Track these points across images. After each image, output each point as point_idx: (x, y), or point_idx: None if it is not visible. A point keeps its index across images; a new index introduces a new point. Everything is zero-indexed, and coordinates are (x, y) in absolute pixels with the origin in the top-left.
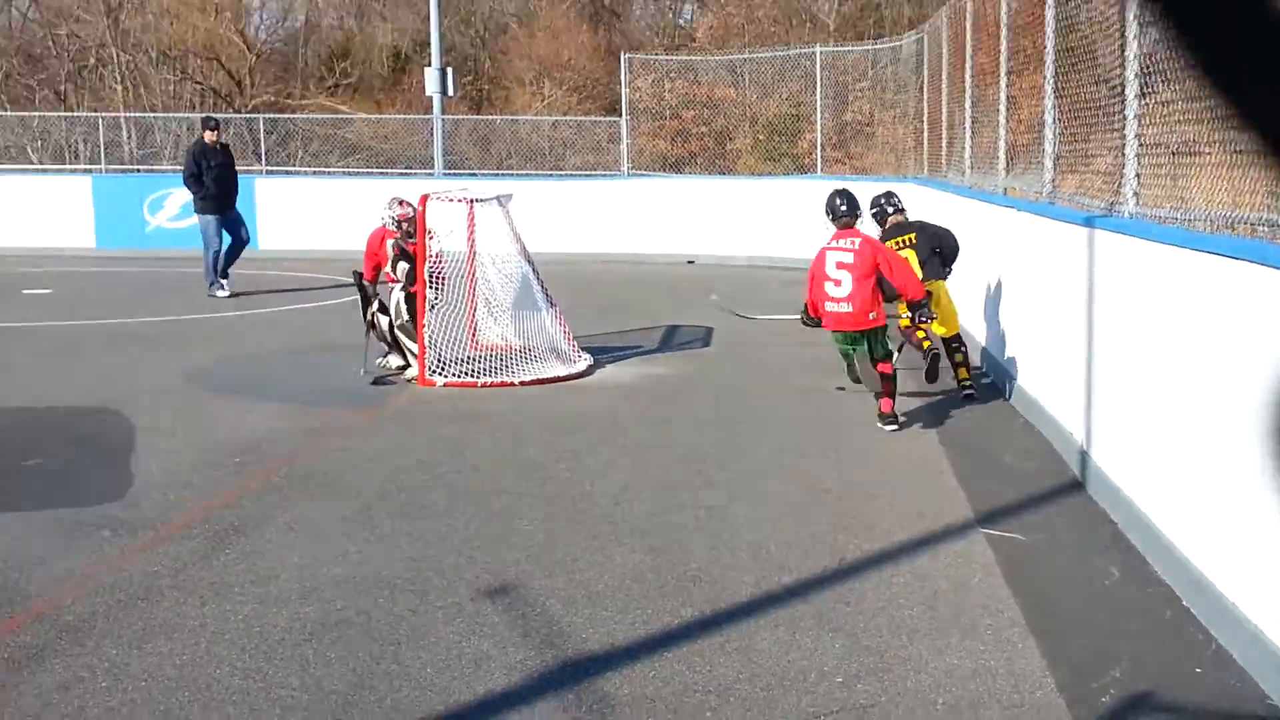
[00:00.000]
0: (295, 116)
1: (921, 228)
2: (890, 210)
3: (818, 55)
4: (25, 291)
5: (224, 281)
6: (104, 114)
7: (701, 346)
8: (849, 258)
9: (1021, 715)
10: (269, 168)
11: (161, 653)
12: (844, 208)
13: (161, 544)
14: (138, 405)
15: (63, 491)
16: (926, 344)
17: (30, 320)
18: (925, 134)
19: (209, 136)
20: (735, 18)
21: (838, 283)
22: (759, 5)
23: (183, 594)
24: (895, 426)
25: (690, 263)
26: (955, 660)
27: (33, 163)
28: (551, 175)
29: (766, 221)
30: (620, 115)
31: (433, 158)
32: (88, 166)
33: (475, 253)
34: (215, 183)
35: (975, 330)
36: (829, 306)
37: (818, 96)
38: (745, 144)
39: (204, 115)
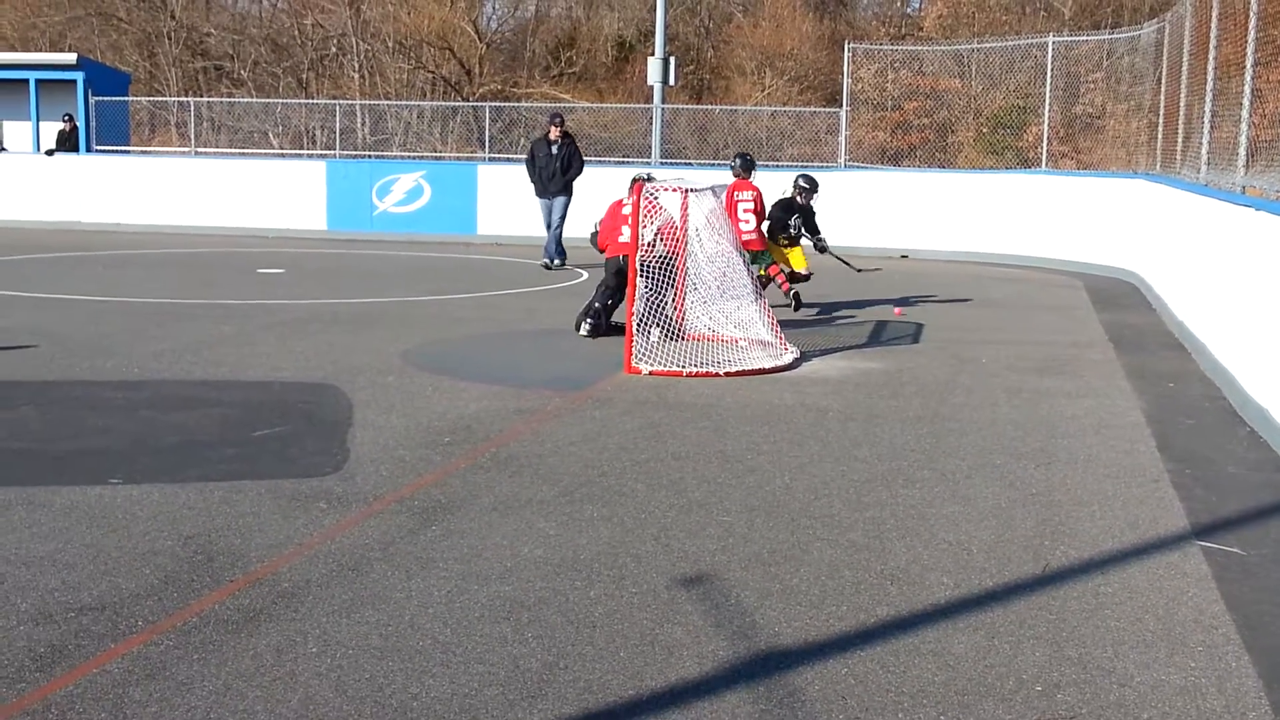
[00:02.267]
0: (520, 105)
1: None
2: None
3: (1050, 45)
4: (260, 271)
5: (556, 260)
6: (341, 101)
7: (910, 343)
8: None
9: None
10: (491, 155)
11: (369, 622)
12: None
13: (372, 518)
14: (356, 382)
15: (284, 463)
16: (785, 286)
17: (263, 298)
18: (1160, 128)
19: (553, 132)
20: (965, 6)
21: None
22: None
23: (390, 567)
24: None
25: (904, 257)
26: (1163, 675)
27: (273, 147)
28: (767, 166)
29: (986, 217)
30: (840, 106)
31: (650, 146)
32: (323, 152)
33: (687, 242)
34: (540, 170)
35: (1202, 334)
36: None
37: (1047, 88)
38: (968, 137)
39: (553, 112)
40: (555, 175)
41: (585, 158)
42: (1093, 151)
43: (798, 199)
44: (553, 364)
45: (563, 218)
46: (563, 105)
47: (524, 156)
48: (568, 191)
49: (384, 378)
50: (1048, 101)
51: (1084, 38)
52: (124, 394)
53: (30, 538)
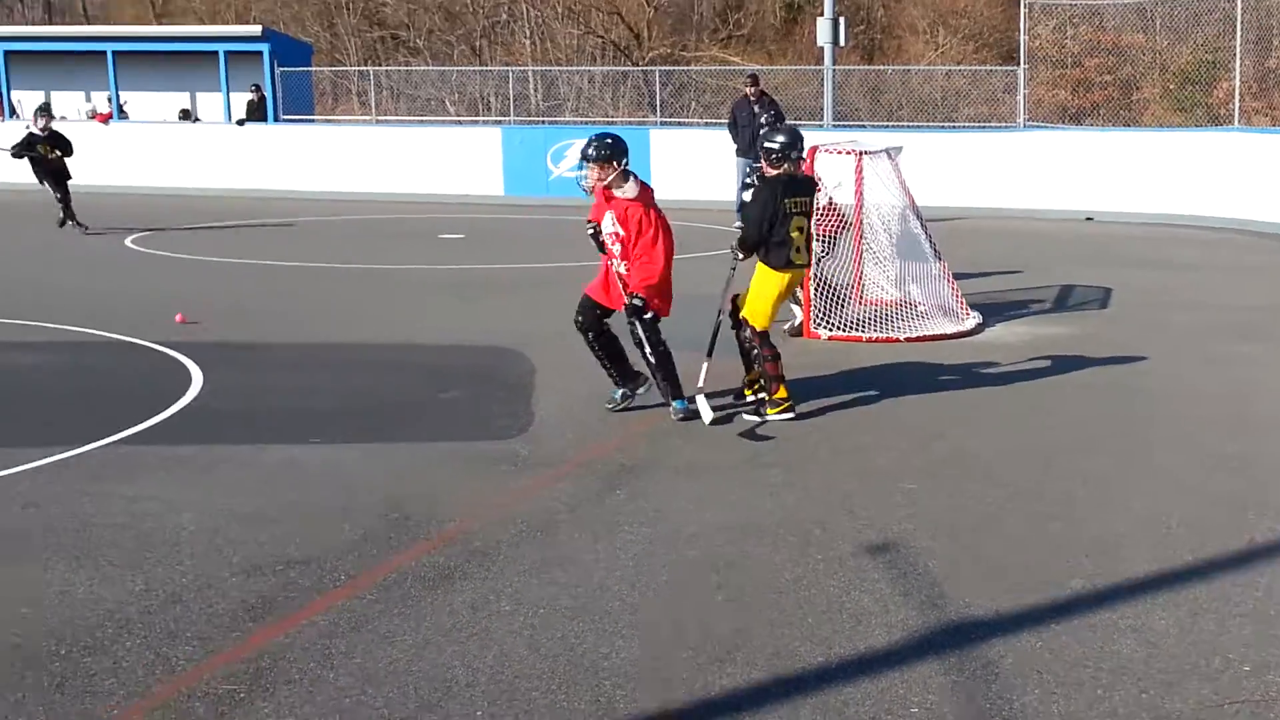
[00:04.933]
0: (689, 69)
1: None
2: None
3: None
4: (441, 236)
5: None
6: (513, 68)
7: (1099, 308)
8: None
9: None
10: (663, 119)
11: (559, 583)
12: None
13: (559, 480)
14: (538, 346)
15: (473, 425)
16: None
17: (445, 263)
18: None
19: (750, 91)
20: None
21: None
22: None
23: (578, 529)
24: None
25: (1088, 219)
26: None
27: (449, 114)
28: (943, 127)
29: (1175, 177)
30: (1018, 64)
31: (823, 109)
32: (498, 118)
33: (863, 206)
34: (743, 130)
35: None
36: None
37: (1237, 41)
38: (1153, 94)
39: (749, 73)
40: (759, 133)
41: None
42: None
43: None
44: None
45: None
46: (733, 68)
47: (695, 120)
48: None
49: (564, 341)
50: (1239, 55)
51: None
52: (320, 356)
53: (240, 494)
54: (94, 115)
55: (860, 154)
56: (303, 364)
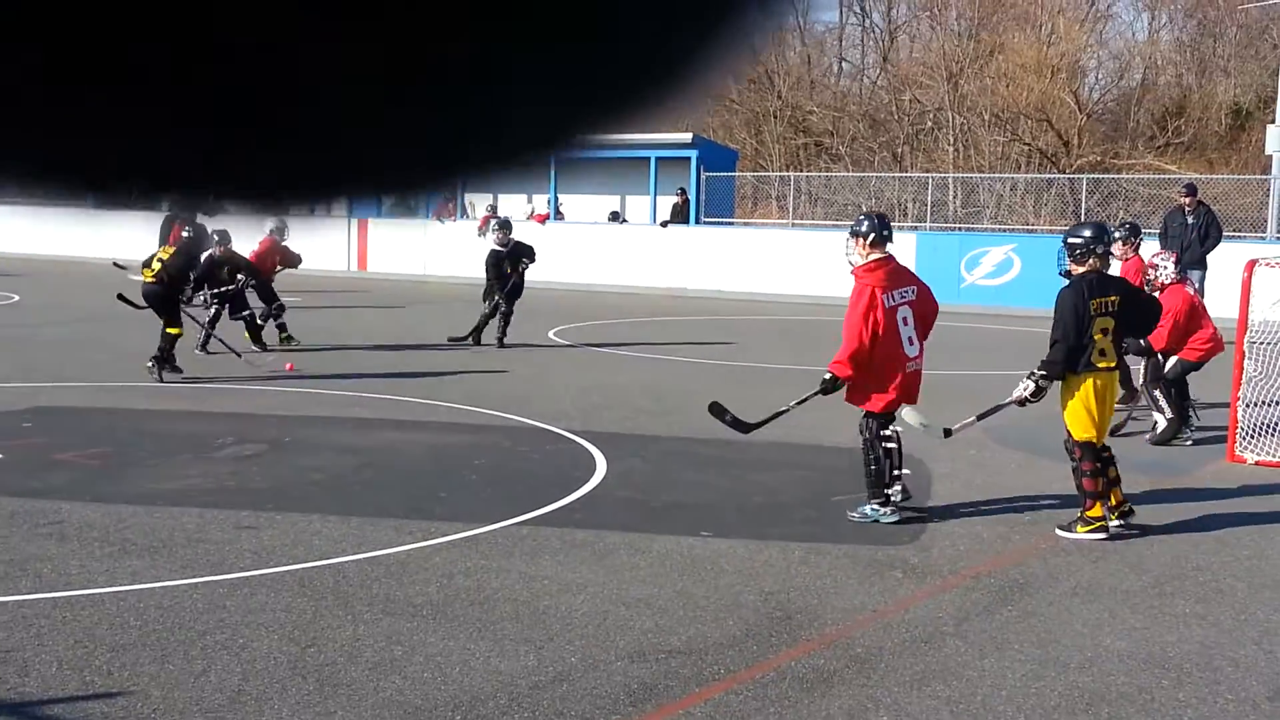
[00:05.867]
0: (1119, 177)
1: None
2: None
3: None
4: None
5: None
6: (933, 175)
7: None
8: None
9: None
10: None
11: (940, 696)
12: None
13: (948, 592)
14: (937, 453)
15: (862, 528)
16: None
17: None
18: None
19: (1187, 202)
20: None
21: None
22: None
23: (964, 643)
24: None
25: None
26: None
27: None
28: None
29: None
30: None
31: (1265, 220)
32: (914, 224)
33: None
34: (1173, 240)
35: None
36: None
37: None
38: None
39: (1186, 183)
40: (1191, 246)
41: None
42: None
43: None
44: (1147, 449)
45: (1199, 291)
46: (1168, 176)
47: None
48: (1203, 265)
49: (965, 450)
50: None
51: None
52: (717, 451)
53: (631, 580)
54: (532, 215)
55: None
56: (701, 458)
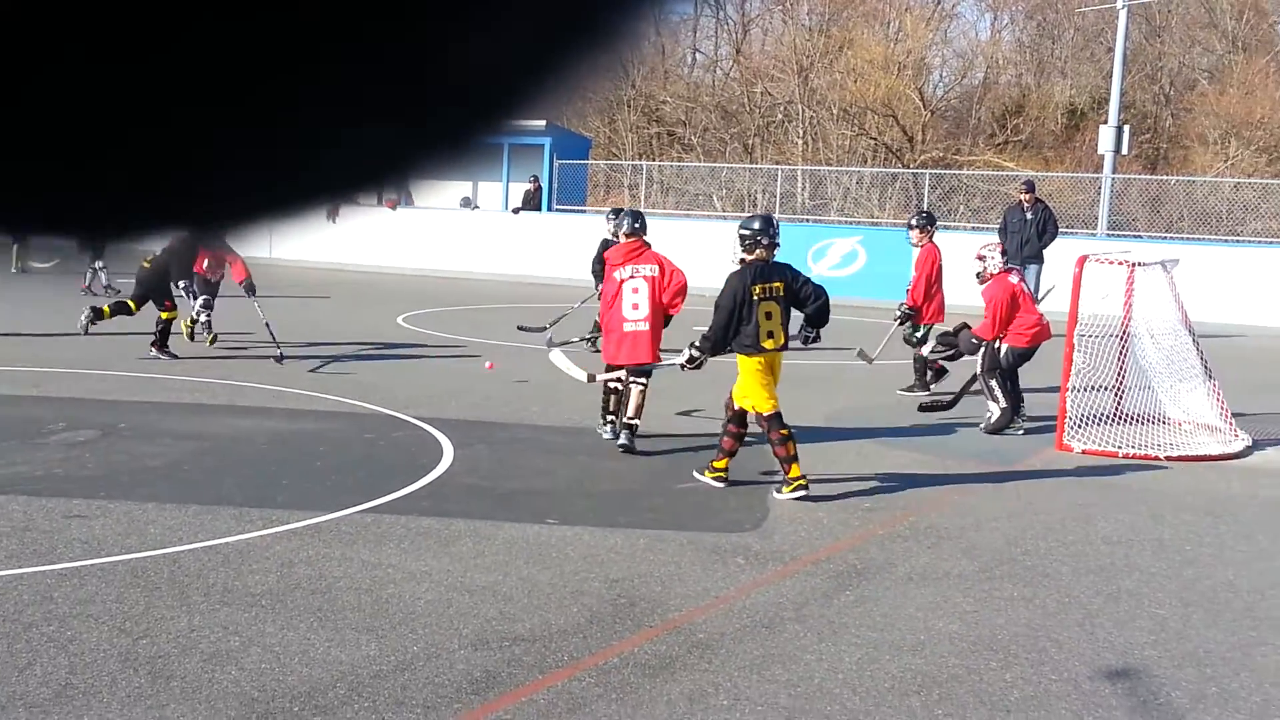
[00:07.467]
0: (960, 173)
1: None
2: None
3: None
4: (695, 327)
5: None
6: (783, 166)
7: None
8: None
9: None
10: None
11: (779, 680)
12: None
13: (788, 578)
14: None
15: (706, 516)
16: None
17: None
18: None
19: (1025, 198)
20: None
21: None
22: None
23: (802, 627)
24: None
25: None
26: None
27: (716, 209)
28: (1227, 241)
29: None
30: None
31: (1097, 217)
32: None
33: (1131, 318)
34: (1013, 236)
35: None
36: None
37: None
38: None
39: (1025, 179)
40: (1030, 240)
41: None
42: None
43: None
44: (981, 438)
45: (1036, 285)
46: (1007, 173)
47: (962, 224)
48: (1040, 259)
49: (814, 437)
50: None
51: None
52: (564, 439)
53: (475, 568)
54: (383, 200)
55: (1133, 265)
56: (548, 445)
